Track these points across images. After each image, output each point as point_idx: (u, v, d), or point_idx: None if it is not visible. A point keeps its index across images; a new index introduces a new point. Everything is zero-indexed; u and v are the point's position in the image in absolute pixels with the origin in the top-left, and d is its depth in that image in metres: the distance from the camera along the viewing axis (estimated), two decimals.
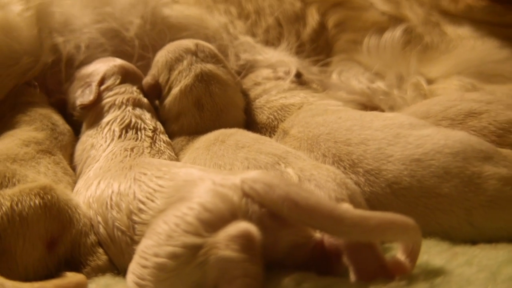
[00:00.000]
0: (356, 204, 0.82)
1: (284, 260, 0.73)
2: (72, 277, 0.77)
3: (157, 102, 1.24)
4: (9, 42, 1.24)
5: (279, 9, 1.62)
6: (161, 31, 1.41)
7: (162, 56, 1.25)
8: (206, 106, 1.18)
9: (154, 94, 1.23)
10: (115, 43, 1.37)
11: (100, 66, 1.24)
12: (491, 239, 0.84)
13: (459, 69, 1.51)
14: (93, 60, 1.29)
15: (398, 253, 0.73)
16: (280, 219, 0.70)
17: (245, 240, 0.65)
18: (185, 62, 1.21)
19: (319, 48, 1.61)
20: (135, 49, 1.37)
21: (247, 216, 0.69)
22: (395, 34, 1.58)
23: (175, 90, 1.19)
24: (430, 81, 1.50)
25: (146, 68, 1.30)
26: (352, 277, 0.70)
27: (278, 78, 1.33)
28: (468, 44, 1.61)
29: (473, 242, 0.84)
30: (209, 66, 1.21)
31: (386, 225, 0.68)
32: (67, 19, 1.37)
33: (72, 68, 1.31)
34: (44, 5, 1.34)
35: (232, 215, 0.69)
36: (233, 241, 0.65)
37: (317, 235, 0.74)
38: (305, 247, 0.73)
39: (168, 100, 1.20)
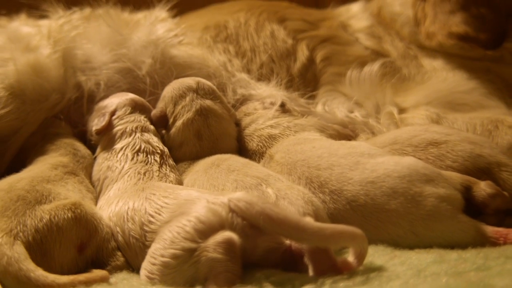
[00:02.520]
0: (319, 217, 1.02)
1: (261, 261, 0.93)
2: (97, 272, 0.97)
3: (163, 131, 1.41)
4: (40, 81, 1.43)
5: (272, 46, 1.79)
6: (169, 69, 1.58)
7: (168, 92, 1.43)
8: (204, 136, 1.36)
9: (162, 124, 1.41)
10: (129, 80, 1.55)
11: (114, 100, 1.42)
12: (430, 246, 1.02)
13: (429, 99, 1.66)
14: (110, 95, 1.47)
15: (349, 255, 0.94)
16: (258, 229, 0.90)
17: (228, 245, 0.86)
18: (187, 98, 1.39)
19: (307, 80, 1.77)
20: (146, 86, 1.55)
21: (232, 227, 0.90)
22: (374, 67, 1.74)
23: (179, 123, 1.37)
24: (402, 111, 1.65)
25: (156, 102, 1.47)
26: (310, 272, 0.90)
27: (265, 109, 1.51)
28: (441, 76, 1.77)
29: (413, 248, 1.02)
30: (208, 102, 1.39)
31: (338, 234, 0.89)
32: (88, 59, 1.56)
33: (92, 103, 1.48)
34: (68, 48, 1.54)
35: (220, 226, 0.89)
36: (219, 246, 0.86)
37: (287, 241, 0.94)
38: (277, 250, 0.94)
39: (173, 131, 1.38)
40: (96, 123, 1.38)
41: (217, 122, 1.39)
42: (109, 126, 1.36)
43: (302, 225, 0.88)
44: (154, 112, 1.43)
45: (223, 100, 1.46)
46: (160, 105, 1.44)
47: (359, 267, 0.92)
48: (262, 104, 1.53)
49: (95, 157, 1.36)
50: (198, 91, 1.41)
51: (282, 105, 1.51)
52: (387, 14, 1.93)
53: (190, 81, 1.45)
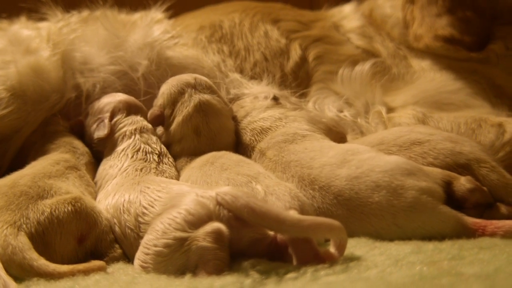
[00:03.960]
0: (304, 211, 1.08)
1: (248, 251, 0.98)
2: (95, 262, 1.02)
3: (162, 129, 1.46)
4: (40, 83, 1.48)
5: (266, 46, 1.84)
6: (164, 70, 1.63)
7: (166, 89, 1.46)
8: (203, 132, 1.40)
9: (158, 123, 1.45)
10: (125, 82, 1.60)
11: (108, 103, 1.46)
12: (410, 238, 1.08)
13: (416, 99, 1.71)
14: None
15: (330, 246, 1.00)
16: (243, 221, 0.96)
17: (216, 235, 0.92)
18: (186, 95, 1.42)
19: (300, 79, 1.81)
20: (142, 87, 1.60)
21: (219, 218, 0.96)
22: (365, 67, 1.78)
23: (178, 119, 1.41)
24: (390, 110, 1.70)
25: (151, 102, 1.51)
26: (294, 262, 0.96)
27: (258, 101, 1.56)
28: (429, 76, 1.81)
29: (394, 240, 1.08)
30: (206, 96, 1.43)
31: (315, 226, 0.95)
32: (86, 61, 1.61)
33: (90, 103, 1.53)
34: (67, 50, 1.59)
35: (208, 217, 0.95)
36: (208, 235, 0.92)
37: (271, 233, 1.00)
38: (262, 241, 0.99)
39: (173, 127, 1.42)
40: (96, 130, 1.44)
41: (215, 118, 1.42)
42: (111, 132, 1.41)
43: (282, 217, 0.94)
44: (152, 111, 1.46)
45: (220, 95, 1.49)
46: (158, 102, 1.47)
47: (340, 257, 0.98)
48: (257, 98, 1.58)
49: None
50: (196, 86, 1.45)
51: (275, 98, 1.56)
52: (378, 15, 1.98)
53: (187, 77, 1.48)
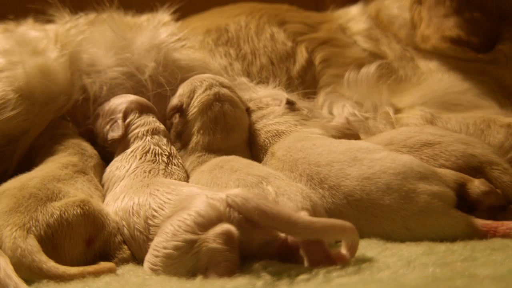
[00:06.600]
0: (316, 212, 1.07)
1: (258, 253, 0.98)
2: (105, 264, 1.02)
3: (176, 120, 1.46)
4: (48, 84, 1.47)
5: (272, 49, 1.83)
6: (172, 71, 1.62)
7: (186, 83, 1.49)
8: (219, 125, 1.41)
9: (176, 112, 1.46)
10: (132, 84, 1.59)
11: (120, 103, 1.46)
12: (421, 239, 1.07)
13: (424, 100, 1.70)
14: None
15: (341, 248, 0.99)
16: (253, 222, 0.95)
17: (227, 236, 0.92)
18: (205, 84, 1.45)
19: (307, 82, 1.81)
20: (149, 89, 1.59)
21: (229, 220, 0.95)
22: (371, 69, 1.78)
23: (196, 109, 1.42)
24: (398, 111, 1.69)
25: (160, 102, 1.53)
26: (306, 264, 0.96)
27: (275, 105, 1.55)
28: (436, 77, 1.81)
29: (405, 241, 1.07)
30: (225, 90, 1.46)
31: (327, 227, 0.94)
32: (93, 63, 1.60)
33: (98, 104, 1.53)
34: (75, 52, 1.58)
35: (218, 219, 0.95)
36: (218, 237, 0.92)
37: (282, 234, 1.00)
38: (273, 243, 0.99)
39: (190, 117, 1.43)
40: (110, 130, 1.43)
41: (232, 111, 1.44)
42: (124, 133, 1.42)
43: (293, 219, 0.93)
44: (172, 101, 1.48)
45: (236, 92, 1.51)
46: (178, 93, 1.49)
47: (352, 259, 0.97)
48: (273, 100, 1.57)
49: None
50: (216, 79, 1.48)
51: (292, 103, 1.55)
52: (385, 16, 1.97)
53: (207, 74, 1.53)
